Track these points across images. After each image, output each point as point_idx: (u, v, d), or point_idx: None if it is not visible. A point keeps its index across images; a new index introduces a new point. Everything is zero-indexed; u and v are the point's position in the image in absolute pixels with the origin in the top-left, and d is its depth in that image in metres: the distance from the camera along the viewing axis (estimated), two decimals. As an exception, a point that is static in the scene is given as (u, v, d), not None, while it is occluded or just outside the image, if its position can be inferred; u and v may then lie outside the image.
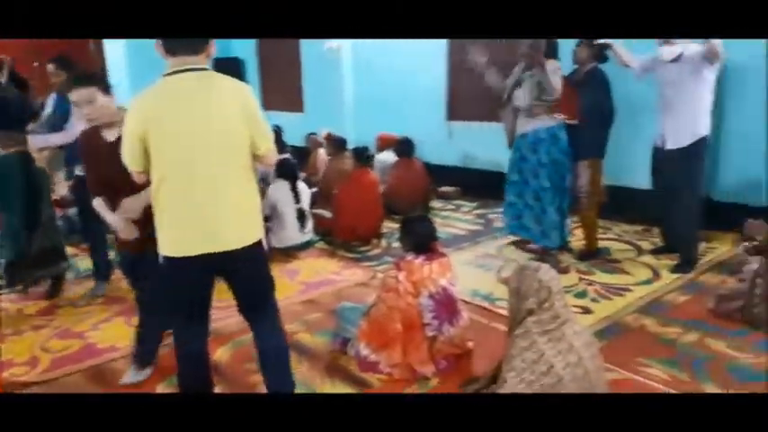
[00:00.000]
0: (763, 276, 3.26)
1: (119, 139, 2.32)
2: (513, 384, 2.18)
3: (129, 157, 2.18)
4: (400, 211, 5.20)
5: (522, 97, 4.05)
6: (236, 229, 2.22)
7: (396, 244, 4.64)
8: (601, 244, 4.56)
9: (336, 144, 6.03)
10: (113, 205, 2.61)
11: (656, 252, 4.40)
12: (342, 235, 5.04)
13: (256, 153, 2.26)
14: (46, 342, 3.35)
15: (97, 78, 2.70)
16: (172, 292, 2.30)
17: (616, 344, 3.07)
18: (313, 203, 5.27)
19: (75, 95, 2.61)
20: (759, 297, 3.22)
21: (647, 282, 3.90)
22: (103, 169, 2.60)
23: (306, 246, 4.89)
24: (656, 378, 2.74)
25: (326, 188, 5.64)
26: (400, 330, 2.91)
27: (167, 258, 2.22)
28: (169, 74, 2.12)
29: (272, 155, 2.34)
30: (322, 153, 6.55)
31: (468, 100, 6.71)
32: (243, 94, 2.18)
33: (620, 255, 4.44)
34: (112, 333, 3.43)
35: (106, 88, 2.65)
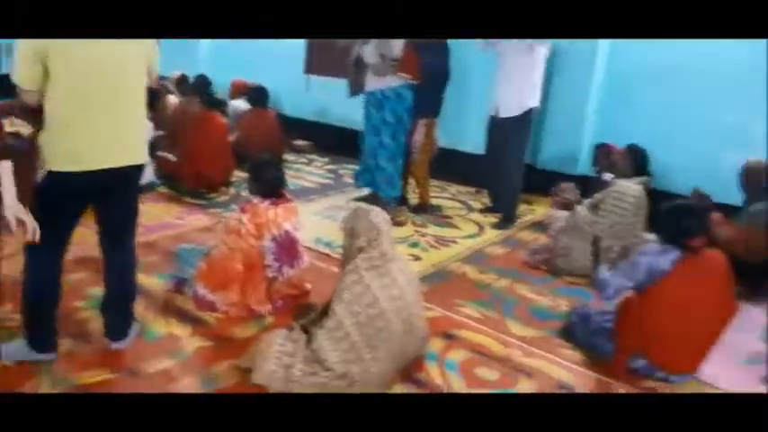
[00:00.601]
0: (564, 232, 3.76)
1: None
2: (341, 315, 2.36)
3: (25, 77, 2.15)
4: (251, 161, 5.18)
5: (369, 54, 4.22)
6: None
7: (245, 192, 4.65)
8: (436, 202, 4.95)
9: (191, 87, 5.82)
10: None
11: (483, 211, 4.86)
12: (189, 182, 4.92)
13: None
14: None
15: None
16: (48, 212, 2.22)
17: (439, 287, 3.40)
18: (158, 146, 5.08)
19: None
20: (561, 250, 3.73)
21: (473, 236, 4.32)
22: None
23: (147, 189, 4.72)
24: (469, 316, 3.10)
25: (173, 132, 5.45)
26: (240, 271, 2.99)
27: (57, 175, 2.22)
28: None
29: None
30: (172, 98, 6.28)
31: (326, 54, 6.76)
32: None
33: (452, 212, 4.85)
34: None
35: None
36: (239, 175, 5.22)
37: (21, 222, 2.12)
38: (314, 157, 6.55)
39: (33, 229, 2.12)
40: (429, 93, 4.42)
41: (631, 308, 2.54)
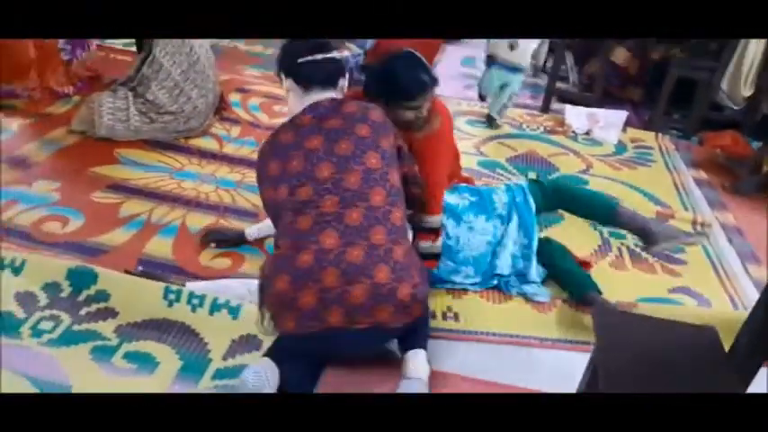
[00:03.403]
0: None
1: None
2: (168, 65, 2.79)
3: None
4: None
5: None
6: None
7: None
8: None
9: None
10: None
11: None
12: None
13: None
14: None
15: None
16: None
17: (222, 58, 3.87)
18: None
19: None
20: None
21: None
22: None
23: None
24: (253, 75, 3.74)
25: None
26: (34, 56, 3.11)
27: None
28: None
29: None
30: None
31: None
32: None
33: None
34: None
35: None
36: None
37: None
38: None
39: None
40: None
41: (380, 45, 3.46)
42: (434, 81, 2.00)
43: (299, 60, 1.75)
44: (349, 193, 1.63)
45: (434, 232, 2.08)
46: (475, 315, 2.06)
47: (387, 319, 1.58)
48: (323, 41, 1.80)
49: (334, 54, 1.79)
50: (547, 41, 3.42)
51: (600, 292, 2.06)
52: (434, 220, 2.08)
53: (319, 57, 1.75)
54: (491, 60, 3.32)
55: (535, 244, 2.21)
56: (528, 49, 3.30)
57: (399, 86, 1.94)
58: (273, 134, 1.79)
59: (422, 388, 1.64)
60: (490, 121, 3.45)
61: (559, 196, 2.45)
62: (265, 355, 1.68)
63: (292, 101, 1.80)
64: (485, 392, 1.72)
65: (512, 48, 3.22)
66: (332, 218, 1.60)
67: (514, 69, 3.29)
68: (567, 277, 2.16)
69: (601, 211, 2.46)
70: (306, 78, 1.76)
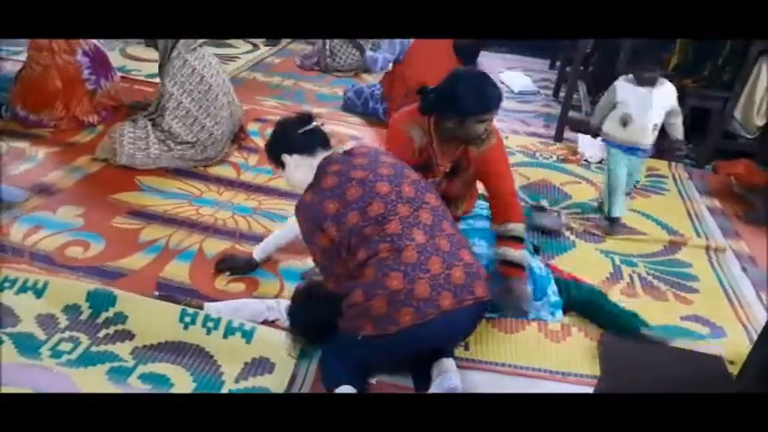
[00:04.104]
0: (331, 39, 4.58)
1: None
2: (178, 95, 2.89)
3: None
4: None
5: None
6: None
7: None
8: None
9: None
10: None
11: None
12: None
13: None
14: None
15: None
16: None
17: (238, 89, 3.97)
18: None
19: None
20: (329, 52, 4.55)
21: (250, 51, 4.88)
22: None
23: None
24: (272, 106, 3.84)
25: None
26: (60, 87, 3.23)
27: None
28: None
29: None
30: None
31: None
32: None
33: (225, 35, 5.30)
34: None
35: None
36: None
37: None
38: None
39: None
40: None
41: (395, 72, 3.54)
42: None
43: (300, 131, 1.87)
44: (411, 200, 1.79)
45: (519, 241, 2.13)
46: (486, 344, 2.07)
47: (482, 293, 1.75)
48: (305, 114, 1.94)
49: (317, 123, 1.94)
50: (680, 115, 2.67)
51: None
52: (518, 227, 2.13)
53: (311, 125, 1.90)
54: (605, 140, 2.78)
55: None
56: (646, 125, 2.61)
57: (478, 101, 2.00)
58: (312, 187, 1.83)
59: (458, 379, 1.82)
60: (612, 223, 2.79)
61: (587, 311, 2.26)
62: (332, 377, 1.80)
63: (303, 172, 1.87)
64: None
65: (624, 124, 2.62)
66: (411, 219, 1.76)
67: (634, 150, 2.69)
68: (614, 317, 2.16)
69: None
70: (310, 145, 1.88)
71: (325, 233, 1.76)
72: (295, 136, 1.87)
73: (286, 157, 1.88)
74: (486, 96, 2.00)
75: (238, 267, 2.30)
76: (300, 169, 1.87)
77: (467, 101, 1.98)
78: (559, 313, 2.21)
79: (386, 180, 1.79)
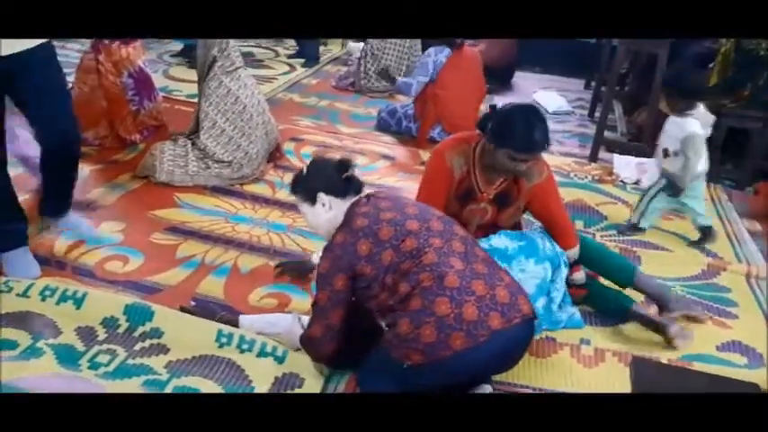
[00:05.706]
0: (364, 59, 4.64)
1: None
2: (213, 116, 2.99)
3: None
4: None
5: None
6: None
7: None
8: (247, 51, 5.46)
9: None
10: None
11: (292, 57, 5.48)
12: None
13: None
14: None
15: None
16: None
17: (275, 110, 4.06)
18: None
19: None
20: (364, 73, 4.62)
21: (287, 73, 4.99)
22: None
23: None
24: (307, 126, 3.92)
25: None
26: (105, 107, 3.36)
27: None
28: None
29: None
30: None
31: None
32: None
33: (263, 56, 5.40)
34: None
35: None
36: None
37: None
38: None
39: None
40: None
41: (427, 92, 3.57)
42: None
43: (344, 176, 1.90)
44: (442, 233, 1.83)
45: (578, 263, 2.28)
46: (517, 368, 2.01)
47: (528, 310, 1.77)
48: (345, 160, 1.96)
49: (355, 169, 1.96)
50: (688, 156, 2.61)
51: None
52: (572, 253, 2.26)
53: (352, 171, 1.93)
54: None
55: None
56: (658, 150, 2.73)
57: (523, 141, 2.02)
58: (344, 228, 1.84)
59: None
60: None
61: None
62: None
63: (333, 214, 1.89)
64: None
65: (665, 155, 2.69)
66: (445, 249, 1.79)
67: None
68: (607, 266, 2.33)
69: (619, 273, 2.36)
70: (348, 190, 1.90)
71: (347, 276, 1.78)
72: (337, 178, 1.90)
73: (322, 196, 1.89)
74: (533, 140, 2.02)
75: (294, 267, 2.43)
76: (332, 211, 1.90)
77: (513, 138, 2.02)
78: (572, 309, 2.27)
79: (414, 218, 1.83)
